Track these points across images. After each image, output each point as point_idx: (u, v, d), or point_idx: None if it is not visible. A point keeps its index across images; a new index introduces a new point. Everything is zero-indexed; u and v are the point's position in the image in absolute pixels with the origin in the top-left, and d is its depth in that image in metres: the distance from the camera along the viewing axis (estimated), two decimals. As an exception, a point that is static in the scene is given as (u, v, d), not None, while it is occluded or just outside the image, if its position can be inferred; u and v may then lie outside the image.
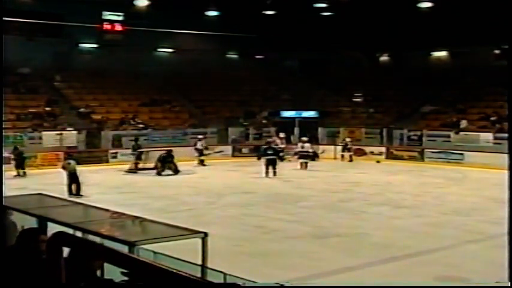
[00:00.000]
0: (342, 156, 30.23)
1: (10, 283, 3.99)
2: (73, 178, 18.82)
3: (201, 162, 27.64)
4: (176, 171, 24.34)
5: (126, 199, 18.00)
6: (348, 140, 30.50)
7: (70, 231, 6.86)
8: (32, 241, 4.48)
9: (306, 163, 26.68)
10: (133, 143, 26.62)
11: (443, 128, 30.69)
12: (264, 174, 23.54)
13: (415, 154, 29.60)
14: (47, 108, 30.10)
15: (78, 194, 18.19)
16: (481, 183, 21.98)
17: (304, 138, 28.49)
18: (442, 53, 36.43)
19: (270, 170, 23.64)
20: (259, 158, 25.98)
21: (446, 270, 10.95)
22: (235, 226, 14.69)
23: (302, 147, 27.46)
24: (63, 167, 19.66)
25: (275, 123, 34.03)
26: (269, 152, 24.38)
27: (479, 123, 30.12)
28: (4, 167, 17.35)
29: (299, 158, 27.14)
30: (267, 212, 16.53)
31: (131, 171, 24.96)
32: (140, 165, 25.41)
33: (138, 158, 25.83)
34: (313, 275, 10.53)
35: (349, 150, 30.15)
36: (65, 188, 18.35)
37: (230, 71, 37.05)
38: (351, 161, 29.65)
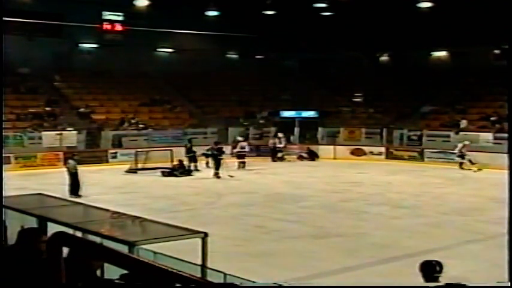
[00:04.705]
0: (461, 164, 26.50)
1: (10, 283, 3.99)
2: (73, 178, 18.85)
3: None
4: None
5: (126, 199, 18.00)
6: (464, 147, 26.70)
7: (70, 231, 6.86)
8: (32, 241, 4.48)
9: (244, 163, 26.36)
10: (188, 144, 26.21)
11: (443, 128, 30.68)
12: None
13: (415, 154, 29.60)
14: (47, 108, 30.07)
15: (76, 194, 18.19)
16: (481, 183, 21.98)
17: (240, 138, 28.35)
18: (442, 53, 36.42)
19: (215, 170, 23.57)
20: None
21: (446, 270, 10.92)
22: (235, 226, 14.70)
23: (242, 147, 26.97)
24: (67, 167, 19.81)
25: (275, 123, 34.02)
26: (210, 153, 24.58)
27: (479, 123, 30.10)
28: (4, 167, 17.34)
29: (237, 158, 26.72)
30: (267, 212, 16.53)
31: (131, 171, 24.94)
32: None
33: (192, 160, 25.33)
34: (313, 275, 10.53)
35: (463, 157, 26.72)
36: (66, 188, 18.37)
37: (230, 71, 37.03)
38: (462, 168, 26.25)
